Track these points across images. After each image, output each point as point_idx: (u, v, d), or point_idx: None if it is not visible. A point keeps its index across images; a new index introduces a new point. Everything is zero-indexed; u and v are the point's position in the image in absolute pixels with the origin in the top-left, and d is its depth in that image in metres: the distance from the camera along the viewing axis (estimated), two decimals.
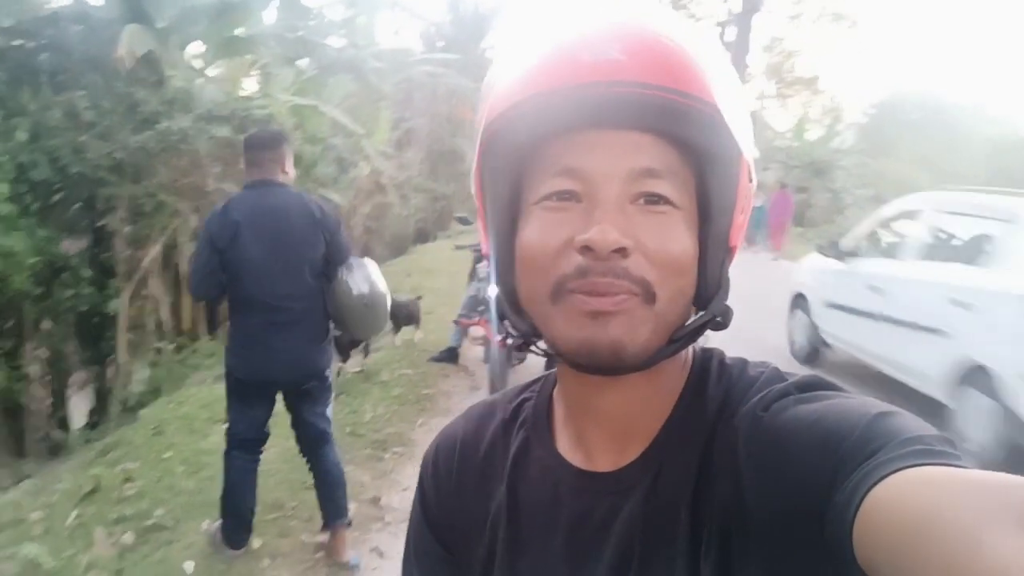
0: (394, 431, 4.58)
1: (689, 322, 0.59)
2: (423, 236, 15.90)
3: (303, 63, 10.36)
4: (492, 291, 3.54)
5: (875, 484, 0.44)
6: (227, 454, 3.02)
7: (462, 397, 5.31)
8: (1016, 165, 20.35)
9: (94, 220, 7.41)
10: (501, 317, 0.64)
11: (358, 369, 5.65)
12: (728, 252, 0.60)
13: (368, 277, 3.00)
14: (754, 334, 7.15)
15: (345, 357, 5.32)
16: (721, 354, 0.66)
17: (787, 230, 15.82)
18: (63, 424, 7.63)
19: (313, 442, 3.10)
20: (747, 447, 0.55)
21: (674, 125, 0.54)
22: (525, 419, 0.71)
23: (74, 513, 3.46)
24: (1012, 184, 6.10)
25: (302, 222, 2.91)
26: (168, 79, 7.73)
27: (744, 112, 0.59)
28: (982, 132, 23.82)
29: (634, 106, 0.53)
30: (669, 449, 0.61)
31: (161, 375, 7.07)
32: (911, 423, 0.49)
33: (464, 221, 6.98)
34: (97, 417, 7.66)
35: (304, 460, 3.16)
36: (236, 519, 3.07)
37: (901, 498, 0.42)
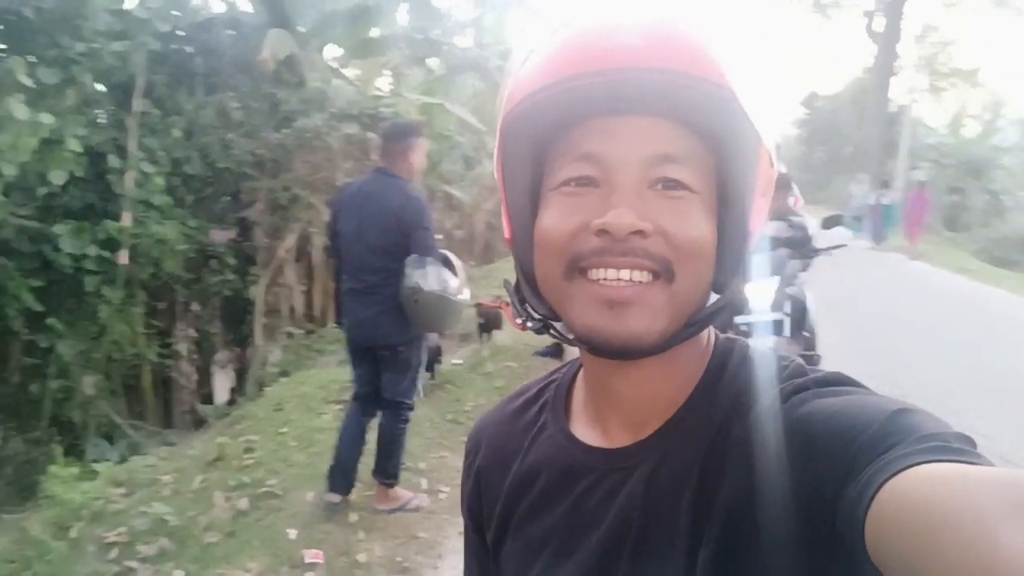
0: None
1: (708, 307, 0.59)
2: None
3: (432, 63, 10.70)
4: None
5: (890, 478, 0.43)
6: (348, 405, 3.54)
7: None
8: None
9: (238, 212, 8.02)
10: (521, 301, 0.65)
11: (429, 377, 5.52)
12: (747, 237, 0.59)
13: (438, 276, 3.15)
14: (887, 343, 6.70)
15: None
16: (745, 344, 0.66)
17: (923, 230, 14.70)
18: (208, 399, 8.34)
19: (380, 404, 3.42)
20: (764, 440, 0.55)
21: (691, 110, 0.54)
22: (547, 399, 0.73)
23: (199, 478, 3.78)
24: None
25: (382, 210, 3.18)
26: (307, 80, 8.23)
27: (765, 98, 0.58)
28: None
29: (651, 92, 0.53)
30: (679, 434, 0.61)
31: (291, 357, 7.54)
32: (929, 421, 0.49)
33: None
34: (237, 394, 8.31)
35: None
36: (339, 466, 3.41)
37: (915, 493, 0.42)
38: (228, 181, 7.80)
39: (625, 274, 0.54)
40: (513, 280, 0.67)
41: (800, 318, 4.14)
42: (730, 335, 0.68)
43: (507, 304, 0.67)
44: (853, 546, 0.45)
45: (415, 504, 3.56)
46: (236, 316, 8.40)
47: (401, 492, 3.57)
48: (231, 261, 7.92)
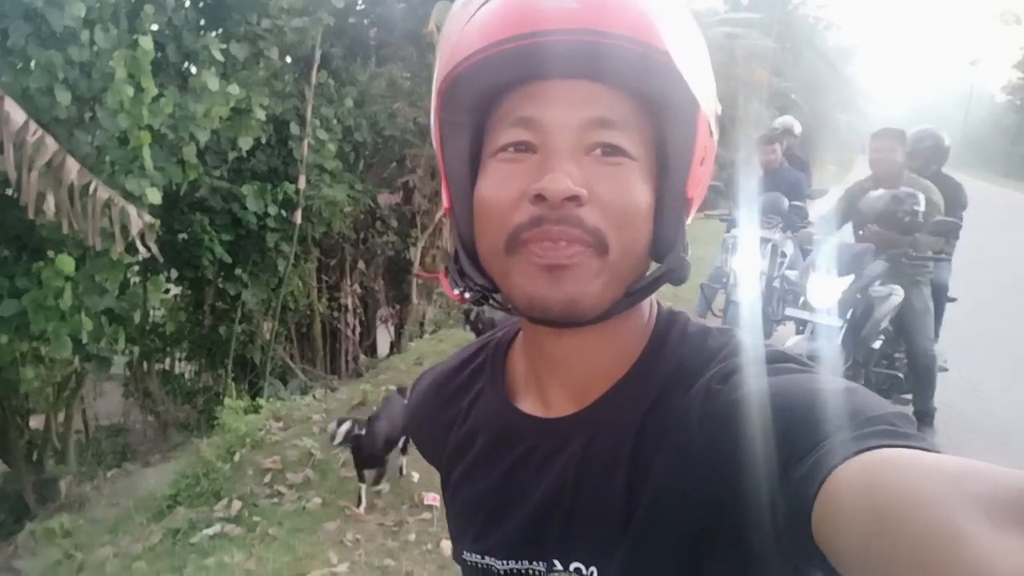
0: None
1: (646, 276, 0.59)
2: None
3: None
4: (736, 263, 3.46)
5: (836, 466, 0.42)
6: None
7: None
8: None
9: (402, 177, 8.49)
10: (460, 272, 0.64)
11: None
12: (685, 204, 0.59)
13: None
14: None
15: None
16: (686, 319, 0.65)
17: None
18: (370, 352, 8.99)
19: None
20: (700, 421, 0.54)
21: (625, 73, 0.53)
22: (484, 362, 0.73)
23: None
24: None
25: None
26: None
27: (705, 65, 0.58)
28: None
29: (585, 54, 0.52)
30: (616, 407, 0.61)
31: (441, 316, 7.93)
32: (871, 400, 0.48)
33: (717, 190, 6.73)
34: (396, 348, 8.90)
35: None
36: None
37: (868, 481, 0.40)
38: (393, 148, 8.25)
39: (562, 247, 0.54)
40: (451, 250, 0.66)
41: (860, 327, 3.50)
42: (673, 308, 0.67)
43: (445, 273, 0.66)
44: (797, 536, 0.44)
45: None
46: (398, 275, 8.95)
47: None
48: (394, 223, 8.43)
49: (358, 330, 8.88)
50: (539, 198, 0.53)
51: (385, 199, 8.48)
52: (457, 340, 5.45)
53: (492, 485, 0.66)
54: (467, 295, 0.64)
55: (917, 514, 0.37)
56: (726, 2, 18.38)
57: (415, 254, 8.40)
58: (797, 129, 6.22)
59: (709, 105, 0.58)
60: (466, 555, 0.68)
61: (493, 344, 0.74)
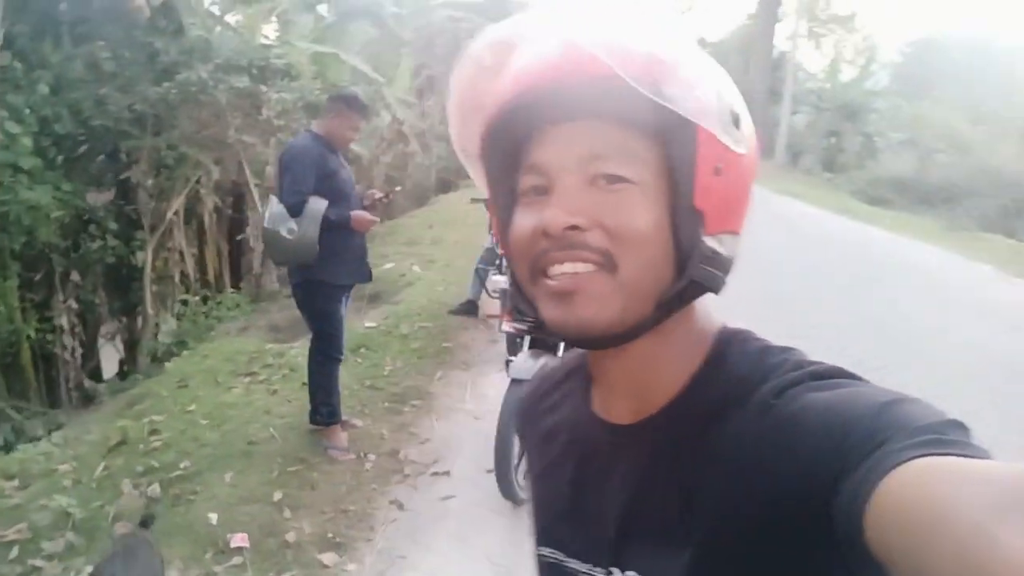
0: (412, 384, 4.61)
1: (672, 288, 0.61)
2: (445, 186, 15.77)
3: (322, 9, 10.18)
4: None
5: (885, 474, 0.44)
6: None
7: (481, 350, 5.33)
8: None
9: (118, 173, 7.46)
10: (515, 306, 0.73)
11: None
12: (696, 216, 0.60)
13: (272, 214, 3.45)
14: (781, 288, 7.04)
15: None
16: (747, 336, 0.66)
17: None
18: (95, 375, 7.84)
19: None
20: (756, 435, 0.56)
21: (614, 108, 0.58)
22: (579, 366, 0.77)
23: (102, 464, 3.56)
24: None
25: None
26: (187, 28, 7.65)
27: (700, 76, 0.60)
28: None
29: (573, 98, 0.59)
30: (674, 420, 0.63)
31: (187, 326, 7.18)
32: (922, 410, 0.49)
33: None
34: (128, 367, 7.86)
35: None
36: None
37: (912, 488, 0.42)
38: (104, 140, 7.21)
39: (568, 267, 0.59)
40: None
41: None
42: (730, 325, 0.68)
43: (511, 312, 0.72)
44: (852, 544, 0.45)
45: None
46: (121, 284, 7.90)
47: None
48: (112, 226, 7.39)
49: (78, 351, 7.69)
50: (544, 234, 0.59)
51: (94, 198, 7.40)
52: (224, 353, 4.94)
53: (563, 484, 0.71)
54: (523, 327, 0.93)
55: (955, 518, 0.39)
56: None
57: (144, 258, 7.46)
58: None
59: (713, 117, 0.59)
60: (539, 549, 0.74)
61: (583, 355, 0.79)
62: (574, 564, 0.69)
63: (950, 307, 6.97)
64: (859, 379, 0.57)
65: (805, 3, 23.59)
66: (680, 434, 0.61)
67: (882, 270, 8.45)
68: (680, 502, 0.59)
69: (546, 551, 0.72)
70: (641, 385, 0.65)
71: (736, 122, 0.61)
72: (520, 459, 3.00)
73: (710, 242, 0.60)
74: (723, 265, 0.62)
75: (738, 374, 0.61)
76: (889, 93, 21.64)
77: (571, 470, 0.71)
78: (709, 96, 0.60)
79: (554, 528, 0.72)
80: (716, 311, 0.67)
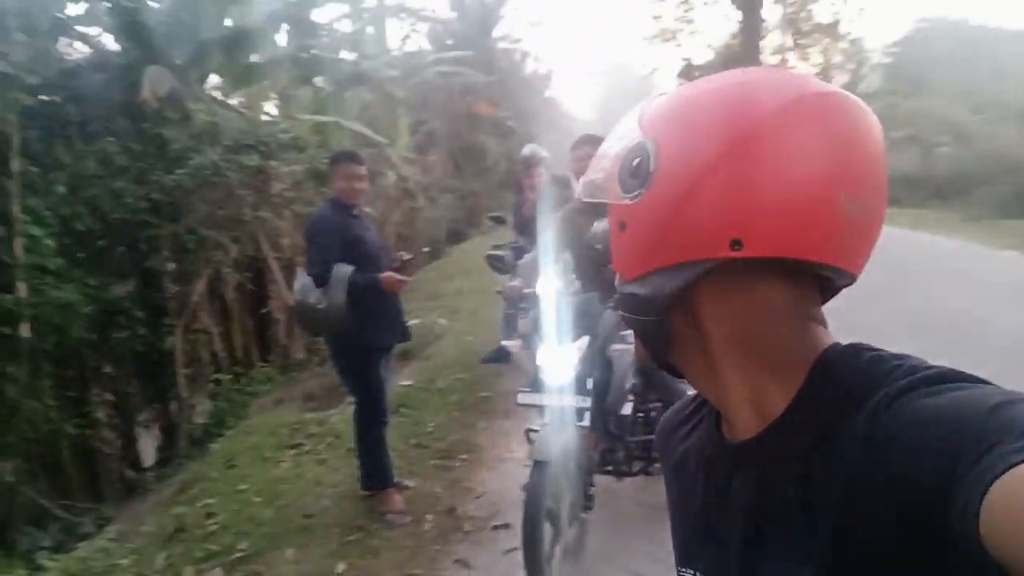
0: (458, 438, 4.58)
1: None
2: (457, 236, 15.88)
3: (319, 81, 10.41)
4: (539, 288, 3.14)
5: (996, 478, 0.44)
6: None
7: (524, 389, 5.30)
8: None
9: (140, 262, 7.58)
10: None
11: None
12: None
13: (300, 287, 3.49)
14: None
15: None
16: (859, 348, 0.65)
17: None
18: (135, 464, 7.84)
19: None
20: (869, 443, 0.55)
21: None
22: None
23: (162, 555, 3.53)
24: None
25: None
26: (193, 114, 7.85)
27: (596, 164, 0.71)
28: None
29: None
30: (783, 436, 0.63)
31: (222, 405, 7.20)
32: None
33: (498, 220, 6.91)
34: (167, 453, 7.86)
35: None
36: None
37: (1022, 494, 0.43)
38: (124, 231, 7.35)
39: None
40: None
41: (603, 396, 3.10)
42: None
43: None
44: (969, 550, 0.45)
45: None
46: (153, 371, 7.94)
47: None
48: (139, 314, 7.47)
49: (118, 443, 7.72)
50: None
51: (119, 289, 7.51)
52: (267, 428, 4.93)
53: (695, 505, 0.73)
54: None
55: None
56: (432, 43, 19.08)
57: (174, 343, 7.53)
58: (544, 152, 6.58)
59: (600, 190, 0.69)
60: (680, 570, 0.76)
61: None
62: None
63: (985, 296, 6.88)
64: (977, 380, 0.56)
65: (787, 16, 23.89)
66: (791, 450, 0.62)
67: (911, 267, 8.36)
68: (798, 517, 0.60)
69: (686, 572, 0.74)
70: (742, 404, 0.66)
71: (633, 169, 0.64)
72: (553, 547, 2.76)
73: (628, 288, 0.67)
74: (643, 305, 0.66)
75: (846, 386, 0.61)
76: (883, 93, 21.70)
77: (701, 492, 0.72)
78: (596, 175, 0.69)
79: (691, 549, 0.74)
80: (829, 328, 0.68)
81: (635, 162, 0.64)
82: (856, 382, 0.61)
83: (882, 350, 0.65)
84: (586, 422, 2.91)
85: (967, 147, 16.75)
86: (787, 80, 0.62)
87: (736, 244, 0.59)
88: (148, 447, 8.12)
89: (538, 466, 2.70)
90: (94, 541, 4.08)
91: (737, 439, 0.68)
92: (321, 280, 3.43)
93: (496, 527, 3.51)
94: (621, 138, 0.67)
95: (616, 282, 0.70)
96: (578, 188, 3.51)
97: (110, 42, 8.39)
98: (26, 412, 6.17)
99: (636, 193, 0.63)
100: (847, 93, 0.62)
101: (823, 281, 0.66)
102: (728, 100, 0.62)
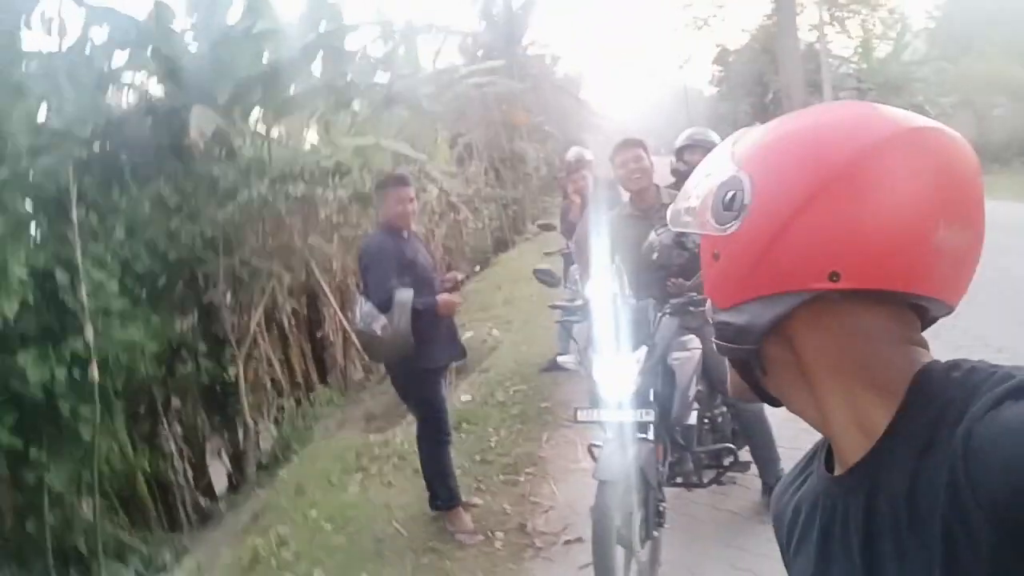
0: (522, 452, 4.57)
1: None
2: (503, 245, 15.93)
3: (356, 105, 10.57)
4: (589, 293, 3.09)
5: None
6: None
7: (581, 404, 5.25)
8: None
9: (199, 296, 7.79)
10: None
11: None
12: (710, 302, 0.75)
13: (359, 313, 3.55)
14: None
15: None
16: (955, 362, 0.65)
17: None
18: (207, 492, 8.05)
19: None
20: (964, 460, 0.55)
21: None
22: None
23: None
24: None
25: None
26: (238, 150, 8.04)
27: (693, 191, 0.71)
28: None
29: None
30: (885, 460, 0.63)
31: (287, 430, 7.34)
32: None
33: (547, 227, 6.88)
34: (237, 480, 8.04)
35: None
36: None
37: None
38: (181, 268, 7.57)
39: None
40: None
41: (667, 407, 2.96)
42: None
43: None
44: None
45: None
46: (218, 401, 8.17)
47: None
48: (201, 347, 7.69)
49: (189, 473, 7.93)
50: None
51: (180, 324, 7.74)
52: (332, 452, 5.00)
53: (811, 549, 0.71)
54: None
55: None
56: (463, 56, 19.21)
57: (236, 372, 7.71)
58: (589, 155, 6.53)
59: (695, 222, 0.70)
60: None
61: None
62: None
63: None
64: None
65: None
66: (896, 466, 0.61)
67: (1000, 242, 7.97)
68: (908, 533, 0.60)
69: None
70: (847, 426, 0.66)
71: (727, 202, 0.65)
72: (628, 570, 2.68)
73: (722, 316, 0.68)
74: (738, 333, 0.67)
75: (944, 399, 0.61)
76: (930, 59, 21.01)
77: (816, 534, 0.71)
78: (692, 203, 0.70)
79: None
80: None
81: (729, 195, 0.65)
82: (953, 395, 0.60)
83: (980, 362, 0.64)
84: (650, 435, 2.80)
85: None
86: (881, 115, 0.64)
87: (834, 276, 0.60)
88: (219, 475, 8.35)
89: (603, 486, 2.60)
90: (172, 574, 4.18)
91: (846, 467, 0.68)
92: (383, 307, 3.44)
93: (568, 542, 3.48)
94: (712, 170, 0.69)
95: (708, 310, 0.72)
96: (640, 207, 3.41)
97: (154, 86, 8.65)
98: (102, 450, 6.38)
99: (731, 225, 0.65)
100: (943, 127, 0.63)
101: (920, 310, 0.67)
102: (823, 136, 0.64)
